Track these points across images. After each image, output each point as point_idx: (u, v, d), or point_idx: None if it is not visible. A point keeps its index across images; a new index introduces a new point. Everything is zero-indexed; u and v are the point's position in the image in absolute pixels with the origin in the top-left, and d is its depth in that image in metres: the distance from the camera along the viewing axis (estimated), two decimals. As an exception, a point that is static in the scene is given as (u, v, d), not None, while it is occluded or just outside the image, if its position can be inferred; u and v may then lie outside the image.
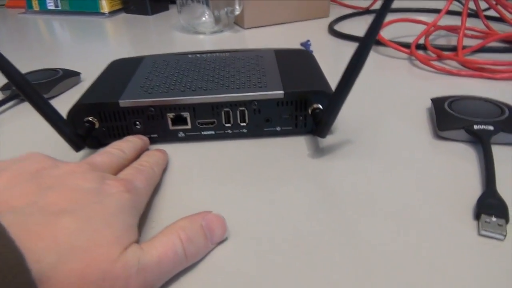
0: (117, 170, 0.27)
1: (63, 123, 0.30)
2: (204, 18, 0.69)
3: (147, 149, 0.34)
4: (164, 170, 0.31)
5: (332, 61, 0.55)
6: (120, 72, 0.39)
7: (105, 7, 0.85)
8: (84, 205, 0.21)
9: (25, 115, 0.41)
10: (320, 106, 0.33)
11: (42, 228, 0.18)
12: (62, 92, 0.47)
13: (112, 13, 0.87)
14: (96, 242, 0.19)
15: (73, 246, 0.18)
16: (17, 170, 0.23)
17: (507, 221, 0.24)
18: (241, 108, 0.34)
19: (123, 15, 0.87)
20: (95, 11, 0.86)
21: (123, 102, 0.33)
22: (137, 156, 0.31)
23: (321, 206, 0.27)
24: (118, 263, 0.19)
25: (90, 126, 0.33)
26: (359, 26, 0.71)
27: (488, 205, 0.25)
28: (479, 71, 0.46)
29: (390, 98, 0.42)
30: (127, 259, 0.19)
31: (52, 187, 0.21)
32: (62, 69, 0.50)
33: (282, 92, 0.33)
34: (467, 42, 0.55)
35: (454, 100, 0.36)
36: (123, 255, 0.20)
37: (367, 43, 0.27)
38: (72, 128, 0.31)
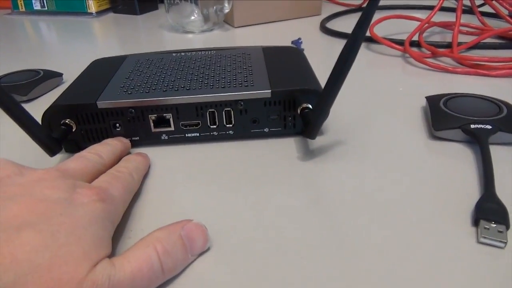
0: (93, 177, 0.25)
1: (36, 126, 0.28)
2: (193, 17, 0.67)
3: (128, 153, 0.32)
4: (145, 176, 0.30)
5: (323, 58, 0.53)
6: (101, 71, 0.37)
7: (92, 7, 0.83)
8: (49, 217, 0.19)
9: None
10: (310, 106, 0.31)
11: (0, 244, 0.17)
12: (42, 94, 0.45)
13: (100, 13, 0.85)
14: (61, 259, 0.17)
15: (34, 264, 0.17)
16: None
17: (507, 227, 0.22)
18: (226, 109, 0.32)
19: (111, 15, 0.85)
20: (82, 11, 0.84)
21: (101, 103, 0.31)
22: (117, 161, 0.29)
23: (311, 212, 0.25)
24: (85, 283, 0.17)
25: (67, 129, 0.31)
26: (351, 24, 0.69)
27: (487, 210, 0.23)
28: (475, 68, 0.45)
29: (383, 97, 0.40)
30: (96, 277, 0.18)
31: (15, 197, 0.19)
32: (43, 70, 0.48)
33: (269, 91, 0.31)
34: (462, 38, 0.54)
35: (449, 98, 0.34)
36: (91, 273, 0.18)
37: (357, 36, 0.26)
38: (46, 132, 0.29)
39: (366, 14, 0.25)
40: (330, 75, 0.27)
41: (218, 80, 0.33)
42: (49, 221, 0.18)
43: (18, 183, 0.21)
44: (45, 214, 0.19)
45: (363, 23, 0.25)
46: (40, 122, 0.30)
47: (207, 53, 0.40)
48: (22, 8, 0.89)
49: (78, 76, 0.37)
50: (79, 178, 0.24)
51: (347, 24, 0.68)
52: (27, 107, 0.42)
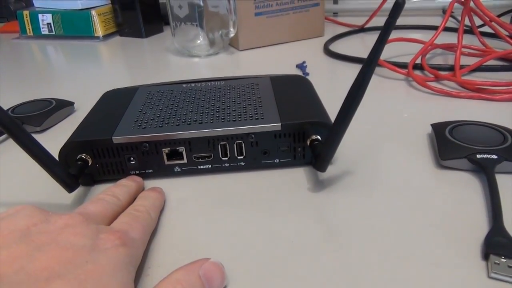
0: (112, 219, 0.26)
1: (55, 164, 0.29)
2: (198, 41, 0.69)
3: (142, 189, 0.33)
4: (161, 211, 0.30)
5: (328, 82, 0.54)
6: (113, 105, 0.38)
7: (99, 30, 0.85)
8: (76, 266, 0.19)
9: (13, 152, 0.40)
10: (319, 137, 0.32)
11: None
12: (55, 124, 0.46)
13: (106, 36, 0.87)
14: None
15: None
16: (6, 228, 0.21)
17: (517, 261, 0.23)
18: (238, 141, 0.33)
19: (117, 38, 0.87)
20: (89, 35, 0.86)
21: (117, 139, 0.32)
22: (132, 200, 0.30)
23: (323, 245, 0.26)
24: None
25: (83, 164, 0.32)
26: (354, 45, 0.71)
27: (496, 245, 0.24)
28: (478, 92, 0.46)
29: (389, 123, 0.41)
30: None
31: (43, 247, 0.20)
32: (55, 99, 0.49)
33: (279, 124, 0.32)
34: (464, 60, 0.55)
35: (455, 126, 0.35)
36: None
37: (366, 75, 0.26)
38: (64, 169, 0.30)
39: (374, 53, 0.26)
40: (340, 110, 0.28)
41: (229, 113, 0.34)
42: (77, 270, 0.19)
43: (45, 231, 0.21)
44: (72, 262, 0.19)
45: (371, 62, 0.26)
46: (56, 157, 0.31)
47: (216, 83, 0.41)
48: (30, 33, 0.90)
49: (91, 110, 0.38)
50: (99, 221, 0.25)
51: (350, 46, 0.70)
52: (41, 137, 0.43)
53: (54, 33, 0.88)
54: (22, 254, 0.19)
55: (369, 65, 0.26)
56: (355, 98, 0.27)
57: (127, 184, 0.31)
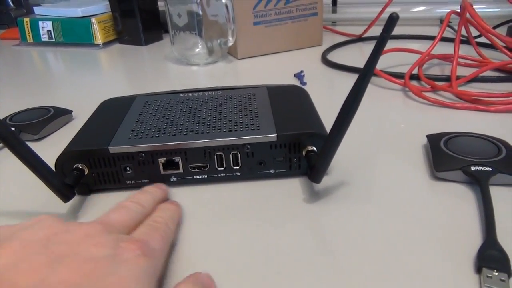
0: (135, 227, 0.25)
1: (50, 174, 0.29)
2: (197, 49, 0.69)
3: (167, 197, 0.32)
4: (178, 225, 0.30)
5: (325, 92, 0.55)
6: (111, 114, 0.38)
7: (99, 38, 0.85)
8: (97, 279, 0.19)
9: (9, 161, 0.40)
10: (314, 148, 0.33)
11: None
12: (53, 132, 0.47)
13: (106, 44, 0.87)
14: None
15: None
16: (26, 239, 0.21)
17: (509, 275, 0.23)
18: (234, 152, 0.33)
19: (117, 46, 0.88)
20: (89, 42, 0.86)
21: (113, 148, 0.32)
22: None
23: (318, 255, 0.26)
24: None
25: (79, 173, 0.32)
26: (352, 55, 0.71)
27: (489, 258, 0.24)
28: (474, 102, 0.46)
29: (385, 133, 0.41)
30: None
31: (63, 258, 0.20)
32: (53, 108, 0.49)
33: (275, 135, 0.32)
34: (461, 70, 0.55)
35: (450, 138, 0.35)
36: None
37: (360, 88, 0.27)
38: (60, 179, 0.30)
39: (368, 67, 0.26)
40: (334, 123, 0.28)
41: (225, 124, 0.34)
42: (98, 282, 0.19)
43: (65, 242, 0.21)
44: (93, 274, 0.19)
45: (366, 75, 0.26)
46: (53, 165, 0.31)
47: (213, 93, 0.41)
48: (30, 40, 0.91)
49: (89, 119, 0.38)
50: (121, 230, 0.24)
51: (348, 55, 0.70)
52: (39, 145, 0.44)
53: (54, 40, 0.89)
54: (42, 265, 0.19)
55: (363, 79, 0.26)
56: (350, 111, 0.27)
57: (152, 191, 0.30)
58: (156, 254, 0.23)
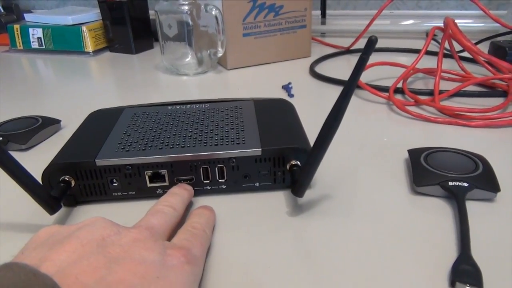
0: (171, 231, 0.28)
1: (37, 187, 0.30)
2: (187, 59, 0.70)
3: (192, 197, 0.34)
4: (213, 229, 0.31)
5: (313, 105, 0.56)
6: (98, 126, 0.39)
7: (89, 46, 0.86)
8: (149, 281, 0.21)
9: None
10: (298, 163, 0.33)
11: None
12: (41, 141, 0.47)
13: (97, 52, 0.87)
14: None
15: None
16: (83, 238, 0.23)
17: (481, 290, 0.24)
18: (219, 165, 0.34)
19: (107, 54, 0.88)
20: (79, 50, 0.86)
21: (100, 161, 0.33)
22: (185, 209, 0.32)
23: (300, 268, 0.27)
24: None
25: (66, 186, 0.32)
26: (340, 66, 0.72)
27: (462, 273, 0.25)
28: (456, 117, 0.47)
29: (368, 147, 0.42)
30: None
31: (118, 259, 0.21)
32: (42, 117, 0.49)
33: (260, 149, 0.33)
34: (445, 84, 0.57)
35: (430, 153, 0.36)
36: None
37: (341, 106, 0.28)
38: (46, 191, 0.30)
39: (349, 87, 0.27)
40: (316, 139, 0.29)
41: (212, 137, 0.35)
42: (150, 284, 0.21)
43: (118, 244, 0.23)
44: (145, 277, 0.21)
45: (347, 94, 0.27)
46: (40, 177, 0.32)
47: (201, 106, 0.42)
48: (20, 46, 0.91)
49: (76, 131, 0.39)
50: (161, 234, 0.26)
51: (335, 67, 0.71)
52: (26, 155, 0.44)
53: (44, 47, 0.89)
54: (100, 265, 0.21)
55: (344, 97, 0.27)
56: (331, 128, 0.28)
57: (180, 193, 0.32)
58: (198, 261, 0.25)
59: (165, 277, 0.22)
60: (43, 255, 0.21)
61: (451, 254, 0.27)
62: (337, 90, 0.60)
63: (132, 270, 0.21)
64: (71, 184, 0.33)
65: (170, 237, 0.27)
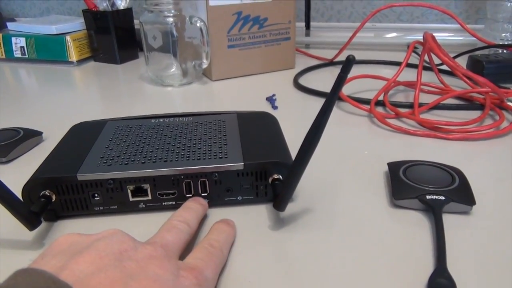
0: (184, 247, 0.28)
1: (16, 202, 0.30)
2: (171, 70, 0.70)
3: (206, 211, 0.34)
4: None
5: (296, 117, 0.56)
6: (80, 139, 0.39)
7: (73, 55, 0.85)
8: None
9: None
10: (280, 177, 0.34)
11: None
12: (22, 154, 0.46)
13: (81, 61, 0.87)
14: None
15: None
16: (102, 250, 0.23)
17: (456, 303, 0.24)
18: (202, 179, 0.34)
19: (91, 64, 0.87)
20: (63, 60, 0.86)
21: (81, 176, 0.33)
22: (199, 224, 0.32)
23: (281, 282, 0.27)
24: None
25: (46, 201, 0.32)
26: (323, 78, 0.73)
27: (438, 286, 0.25)
28: (434, 130, 0.48)
29: (349, 160, 0.43)
30: None
31: (134, 275, 0.22)
32: (23, 129, 0.49)
33: (242, 164, 0.34)
34: (425, 97, 0.58)
35: (408, 166, 0.37)
36: None
37: (320, 123, 0.28)
38: (25, 207, 0.30)
39: (328, 104, 0.27)
40: (297, 154, 0.29)
41: (194, 151, 0.35)
42: None
43: (135, 259, 0.23)
44: None
45: (325, 112, 0.28)
46: (20, 191, 0.32)
47: (184, 119, 0.42)
48: (2, 55, 0.90)
49: (58, 144, 0.39)
50: (176, 252, 0.27)
51: (319, 79, 0.72)
52: (6, 168, 0.43)
53: (27, 56, 0.88)
54: (117, 279, 0.21)
55: (323, 115, 0.28)
56: (311, 144, 0.29)
57: (195, 208, 0.32)
58: (209, 284, 0.25)
59: None
60: (63, 264, 0.22)
61: (428, 267, 0.28)
62: (320, 102, 0.60)
63: (148, 287, 0.22)
64: (51, 199, 0.33)
65: (183, 254, 0.28)
